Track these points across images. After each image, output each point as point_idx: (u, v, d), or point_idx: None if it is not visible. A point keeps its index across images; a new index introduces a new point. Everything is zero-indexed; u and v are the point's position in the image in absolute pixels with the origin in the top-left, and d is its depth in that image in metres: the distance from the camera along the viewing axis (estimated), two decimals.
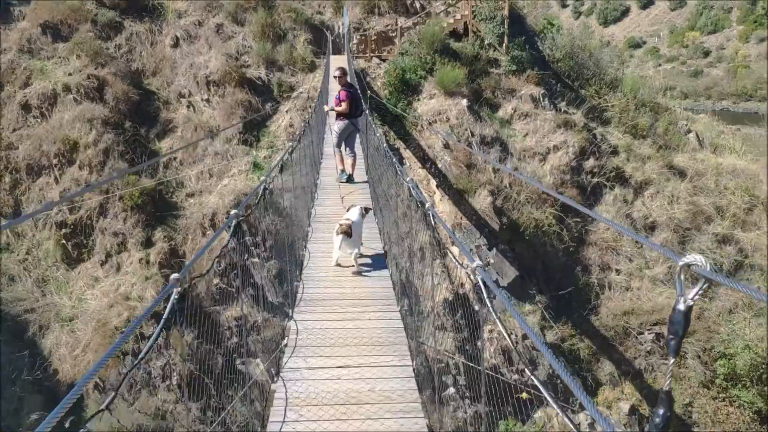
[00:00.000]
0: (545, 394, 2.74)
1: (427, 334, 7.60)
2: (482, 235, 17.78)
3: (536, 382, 3.06)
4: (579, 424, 15.10)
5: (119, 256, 17.35)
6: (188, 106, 21.50)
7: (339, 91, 13.08)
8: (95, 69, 21.04)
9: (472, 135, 19.87)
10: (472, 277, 3.38)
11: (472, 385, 14.76)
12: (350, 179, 13.46)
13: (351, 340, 6.67)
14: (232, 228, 5.02)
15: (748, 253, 19.71)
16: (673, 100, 33.91)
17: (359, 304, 7.69)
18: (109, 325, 15.46)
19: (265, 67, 22.75)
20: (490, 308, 3.09)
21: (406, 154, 19.51)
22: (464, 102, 20.71)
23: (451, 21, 23.80)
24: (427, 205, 5.62)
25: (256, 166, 19.23)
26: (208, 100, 21.60)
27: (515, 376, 15.66)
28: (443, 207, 17.94)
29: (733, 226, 20.36)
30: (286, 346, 6.55)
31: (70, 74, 20.85)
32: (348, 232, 8.51)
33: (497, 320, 2.96)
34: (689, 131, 24.73)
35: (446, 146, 19.76)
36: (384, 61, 23.75)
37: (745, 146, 25.66)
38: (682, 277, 2.13)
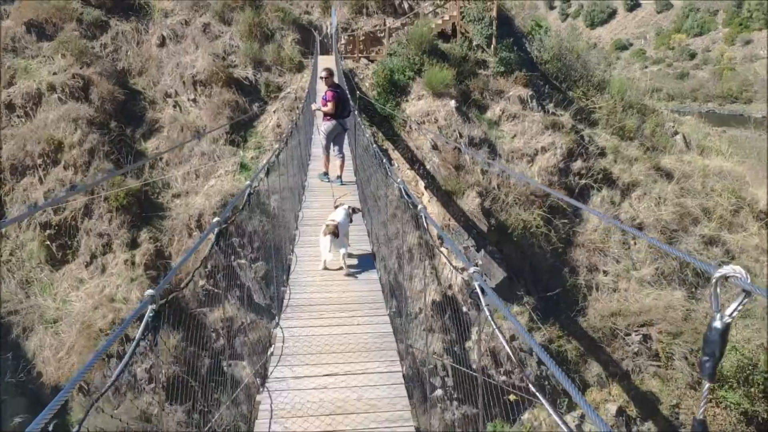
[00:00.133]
0: (540, 397, 2.68)
1: (415, 336, 7.52)
2: (470, 237, 17.75)
3: (531, 386, 3.00)
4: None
5: (104, 258, 17.17)
6: (174, 106, 21.33)
7: (325, 92, 13.03)
8: (80, 68, 20.84)
9: (461, 136, 19.84)
10: (470, 283, 3.28)
11: (460, 387, 14.72)
12: (335, 180, 13.41)
13: (338, 346, 6.54)
14: (214, 236, 4.86)
15: (734, 255, 19.81)
16: (659, 101, 34.09)
17: (347, 308, 7.55)
18: (94, 327, 15.29)
19: (253, 67, 22.61)
20: (489, 316, 3.02)
21: (395, 155, 19.45)
22: (452, 103, 20.68)
23: (440, 22, 23.77)
24: (419, 207, 5.51)
25: (243, 166, 19.11)
26: (194, 100, 21.45)
27: (503, 378, 15.65)
28: (431, 208, 17.89)
29: (720, 227, 20.47)
30: (272, 354, 6.41)
31: (54, 73, 20.64)
32: (335, 233, 8.42)
33: (496, 329, 2.90)
34: (676, 133, 24.85)
35: (434, 147, 19.71)
36: (372, 61, 23.68)
37: (732, 148, 25.85)
38: (719, 290, 1.93)
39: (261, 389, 5.78)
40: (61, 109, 19.45)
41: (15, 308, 16.37)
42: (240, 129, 20.46)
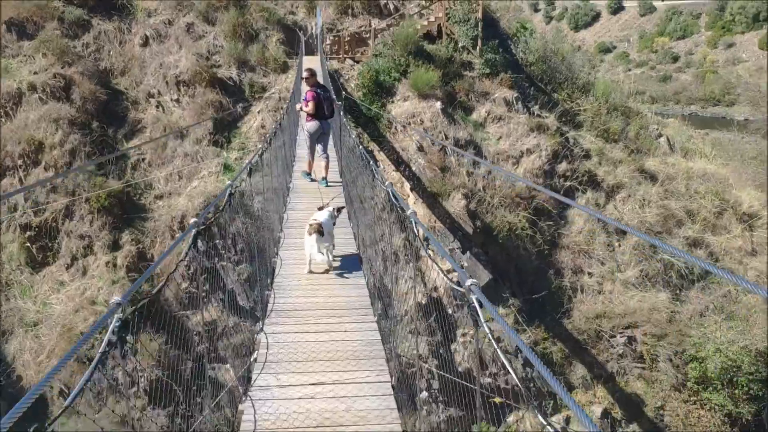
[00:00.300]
0: (531, 400, 2.61)
1: (400, 338, 7.37)
2: (456, 239, 17.70)
3: (522, 389, 2.92)
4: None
5: (85, 260, 16.95)
6: (157, 107, 21.12)
7: (306, 92, 12.99)
8: (62, 68, 20.57)
9: (446, 138, 19.80)
10: (466, 296, 3.14)
11: (446, 389, 14.66)
12: (321, 181, 13.33)
13: (325, 354, 6.30)
14: (191, 239, 4.65)
15: (718, 257, 19.91)
16: (643, 104, 34.28)
17: (334, 314, 7.33)
18: (75, 330, 15.08)
19: (237, 68, 22.44)
20: (489, 335, 2.90)
21: (380, 156, 19.37)
22: (438, 104, 20.64)
23: (425, 23, 23.71)
24: (408, 211, 5.35)
25: (226, 167, 18.94)
26: (177, 101, 21.24)
27: (488, 380, 15.61)
28: (417, 210, 17.78)
29: (704, 229, 20.56)
30: (255, 360, 6.17)
31: (35, 73, 20.36)
32: (320, 231, 8.32)
33: (497, 350, 2.80)
34: (660, 135, 24.95)
35: (420, 149, 19.65)
36: (357, 62, 23.58)
37: (715, 151, 26.00)
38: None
39: (244, 398, 5.53)
40: (41, 109, 19.18)
41: None
42: (224, 129, 20.29)
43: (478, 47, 23.19)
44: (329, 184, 13.24)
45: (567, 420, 15.95)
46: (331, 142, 14.09)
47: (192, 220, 4.78)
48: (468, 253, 17.57)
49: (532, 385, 15.68)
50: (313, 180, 13.56)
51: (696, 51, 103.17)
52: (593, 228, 19.81)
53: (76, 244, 17.09)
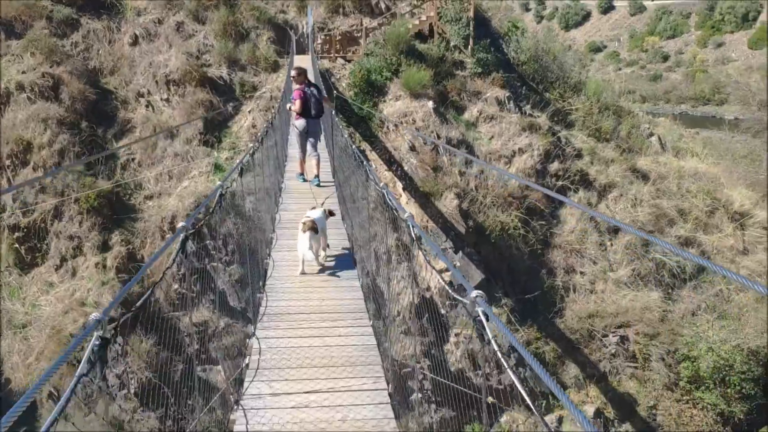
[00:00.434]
0: (529, 401, 2.54)
1: (393, 338, 7.24)
2: (448, 238, 17.64)
3: (519, 387, 2.83)
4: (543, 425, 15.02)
5: (75, 261, 16.81)
6: (147, 106, 20.97)
7: (294, 91, 12.93)
8: (50, 67, 20.39)
9: (438, 137, 19.73)
10: (472, 310, 3.01)
11: (438, 390, 14.60)
12: (313, 180, 13.23)
13: (320, 360, 6.08)
14: (180, 242, 4.49)
15: (710, 256, 19.92)
16: (633, 103, 34.33)
17: (328, 318, 7.11)
18: (64, 332, 14.95)
19: (227, 67, 22.31)
20: (497, 349, 2.80)
21: (372, 156, 19.28)
22: (430, 104, 20.56)
23: (417, 22, 23.63)
24: (405, 215, 5.20)
25: (217, 167, 18.81)
26: (167, 100, 21.09)
27: (481, 380, 15.55)
28: (409, 210, 17.72)
29: (696, 228, 20.58)
30: (247, 366, 5.96)
31: (23, 72, 20.18)
32: (314, 228, 8.21)
33: (504, 363, 2.70)
34: (651, 135, 24.98)
35: (412, 149, 19.58)
36: (349, 61, 23.48)
37: (706, 149, 26.05)
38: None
39: (235, 407, 5.33)
40: (30, 109, 19.01)
41: None
42: (214, 129, 20.15)
43: (469, 46, 23.13)
44: (322, 184, 13.14)
45: (560, 420, 15.92)
46: (321, 140, 14.00)
47: (180, 224, 4.59)
48: (460, 252, 17.51)
49: (524, 385, 15.64)
50: (305, 181, 13.47)
51: (686, 50, 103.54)
52: (585, 227, 19.80)
53: (66, 245, 16.95)
